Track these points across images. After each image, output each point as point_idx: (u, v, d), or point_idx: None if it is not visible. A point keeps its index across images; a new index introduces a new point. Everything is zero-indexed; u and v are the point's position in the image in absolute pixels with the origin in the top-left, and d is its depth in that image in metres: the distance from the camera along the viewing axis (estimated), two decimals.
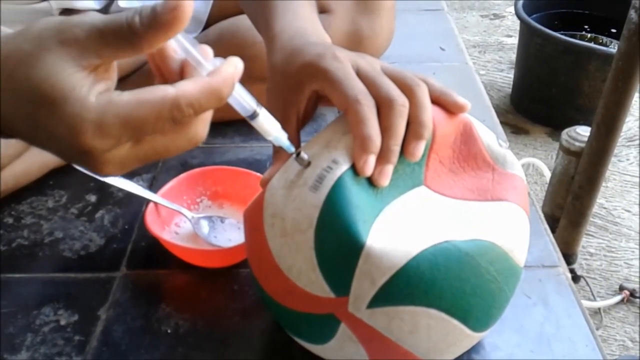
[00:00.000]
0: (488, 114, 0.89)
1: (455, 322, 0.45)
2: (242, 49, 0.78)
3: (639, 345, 1.43)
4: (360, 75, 0.48)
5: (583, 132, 1.46)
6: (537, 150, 2.04)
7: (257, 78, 0.64)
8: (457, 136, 0.51)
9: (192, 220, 0.64)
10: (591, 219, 1.66)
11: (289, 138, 0.45)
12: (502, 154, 0.52)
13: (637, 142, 2.08)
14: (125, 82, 0.81)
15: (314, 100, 0.52)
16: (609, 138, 1.34)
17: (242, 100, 0.40)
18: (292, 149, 0.45)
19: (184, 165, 0.77)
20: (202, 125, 0.37)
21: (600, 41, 2.25)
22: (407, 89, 0.47)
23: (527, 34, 2.08)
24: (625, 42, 1.25)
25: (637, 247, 1.68)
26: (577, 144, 1.46)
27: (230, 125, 0.83)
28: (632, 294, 1.51)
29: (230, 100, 0.40)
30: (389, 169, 0.45)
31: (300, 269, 0.45)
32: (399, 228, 0.45)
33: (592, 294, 1.53)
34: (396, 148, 0.46)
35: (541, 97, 2.13)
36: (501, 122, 0.92)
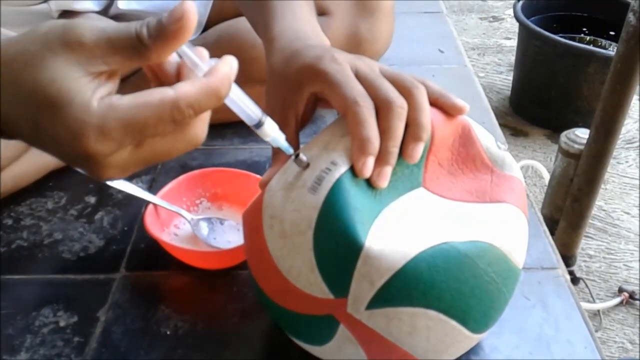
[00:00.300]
0: (487, 116, 0.90)
1: (454, 323, 0.45)
2: (242, 51, 0.78)
3: (638, 347, 1.43)
4: (359, 77, 0.48)
5: (582, 134, 1.46)
6: (536, 152, 2.04)
7: (257, 80, 0.64)
8: (455, 138, 0.51)
9: (191, 222, 0.64)
10: (590, 221, 1.66)
11: (288, 140, 0.45)
12: (501, 156, 0.52)
13: (636, 144, 2.08)
14: (125, 83, 0.81)
15: (313, 102, 0.52)
16: (608, 140, 1.34)
17: (248, 109, 0.41)
18: (291, 151, 0.45)
19: (183, 167, 0.78)
20: (201, 127, 0.37)
21: (599, 44, 2.25)
22: (405, 91, 0.47)
23: (526, 36, 2.09)
24: (624, 44, 1.25)
25: (637, 249, 1.68)
26: (576, 146, 1.46)
27: (230, 127, 0.83)
28: (632, 296, 1.51)
29: (236, 109, 0.40)
30: (388, 170, 0.46)
31: (299, 270, 0.45)
32: (398, 229, 0.45)
33: (592, 296, 1.53)
34: (395, 150, 0.46)
35: (540, 100, 2.13)
36: (500, 125, 0.92)
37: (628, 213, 1.80)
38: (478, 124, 0.53)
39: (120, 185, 0.65)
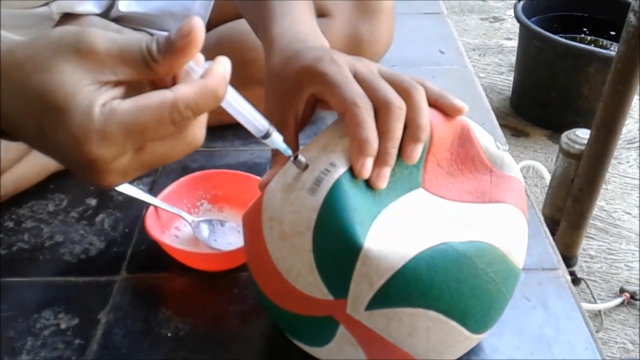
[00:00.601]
0: (488, 117, 0.90)
1: (453, 323, 0.45)
2: (242, 53, 0.78)
3: (639, 347, 1.42)
4: (358, 78, 0.48)
5: (583, 134, 1.46)
6: (537, 152, 2.04)
7: (257, 82, 0.64)
8: (454, 139, 0.51)
9: (192, 224, 0.65)
10: (591, 222, 1.66)
11: (287, 141, 0.45)
12: (500, 156, 0.52)
13: (637, 144, 2.08)
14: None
15: (312, 103, 0.52)
16: (609, 140, 1.34)
17: (256, 121, 0.42)
18: (289, 152, 0.46)
19: (184, 169, 0.78)
20: (199, 129, 0.38)
21: (600, 44, 2.25)
22: (404, 92, 0.47)
23: (526, 36, 2.09)
24: (625, 44, 1.25)
25: (638, 249, 1.68)
26: (576, 146, 1.46)
27: (230, 128, 0.83)
28: (633, 296, 1.51)
29: (243, 121, 0.41)
30: (387, 171, 0.46)
31: (299, 271, 0.45)
32: (397, 230, 0.45)
33: (593, 297, 1.53)
34: (393, 151, 0.46)
35: (541, 100, 2.13)
36: (501, 125, 0.92)
37: (629, 213, 1.80)
38: (477, 125, 0.53)
39: (121, 187, 0.65)
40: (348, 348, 0.47)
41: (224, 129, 0.83)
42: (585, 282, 1.56)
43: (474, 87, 0.98)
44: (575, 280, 1.55)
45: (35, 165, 0.73)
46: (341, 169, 0.45)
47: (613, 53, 1.42)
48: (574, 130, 1.50)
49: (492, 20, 2.88)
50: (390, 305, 0.43)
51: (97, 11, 0.81)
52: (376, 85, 0.47)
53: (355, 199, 0.44)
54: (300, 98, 0.50)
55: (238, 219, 0.66)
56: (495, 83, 2.39)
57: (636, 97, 1.36)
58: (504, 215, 0.49)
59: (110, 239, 0.68)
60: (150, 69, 0.35)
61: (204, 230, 0.65)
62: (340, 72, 0.48)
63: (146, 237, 0.63)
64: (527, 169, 1.89)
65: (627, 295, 1.51)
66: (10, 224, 0.70)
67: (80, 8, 0.79)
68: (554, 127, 2.09)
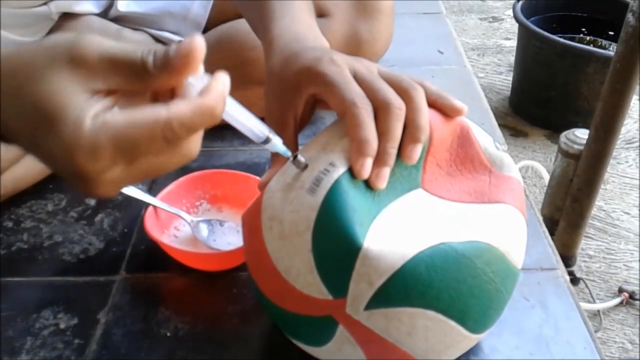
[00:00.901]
0: (487, 117, 0.90)
1: (452, 323, 0.45)
2: (241, 53, 0.78)
3: (638, 347, 1.43)
4: (358, 78, 0.48)
5: (582, 134, 1.46)
6: (535, 152, 2.04)
7: (256, 82, 0.64)
8: (454, 139, 0.51)
9: (191, 224, 0.65)
10: (590, 222, 1.66)
11: (286, 141, 0.45)
12: (499, 157, 0.52)
13: (636, 144, 2.08)
14: None
15: (312, 103, 0.52)
16: (608, 140, 1.34)
17: (256, 128, 0.42)
18: (288, 153, 0.46)
19: (183, 168, 0.77)
20: (194, 143, 0.37)
21: (599, 44, 2.25)
22: (403, 93, 0.47)
23: (525, 36, 2.09)
24: (623, 44, 1.25)
25: (637, 249, 1.68)
26: (575, 146, 1.46)
27: (229, 128, 0.81)
28: (632, 296, 1.51)
29: (243, 130, 0.40)
30: (386, 171, 0.46)
31: (298, 271, 0.45)
32: (396, 230, 0.45)
33: (592, 296, 1.53)
34: (393, 151, 0.46)
35: (540, 100, 2.13)
36: (500, 125, 0.92)
37: (628, 213, 1.80)
38: (476, 125, 0.53)
39: None
40: (347, 348, 0.47)
41: (224, 129, 0.81)
42: (584, 282, 1.56)
43: (472, 87, 0.98)
44: (574, 280, 1.55)
45: (34, 165, 0.73)
46: (341, 169, 0.45)
47: (612, 53, 1.42)
48: (572, 130, 1.50)
49: (491, 20, 2.88)
50: (389, 305, 0.43)
51: (96, 11, 0.81)
52: (376, 86, 0.48)
53: (354, 199, 0.44)
54: (300, 98, 0.50)
55: (237, 218, 0.66)
56: (494, 83, 2.39)
57: (635, 97, 1.36)
58: (503, 215, 0.49)
59: (110, 239, 0.68)
60: (143, 81, 0.34)
61: (203, 230, 0.65)
62: (340, 73, 0.48)
63: (145, 237, 0.63)
64: (526, 169, 1.89)
65: (626, 295, 1.52)
66: (10, 224, 0.70)
67: (79, 8, 0.79)
68: (553, 127, 2.09)
